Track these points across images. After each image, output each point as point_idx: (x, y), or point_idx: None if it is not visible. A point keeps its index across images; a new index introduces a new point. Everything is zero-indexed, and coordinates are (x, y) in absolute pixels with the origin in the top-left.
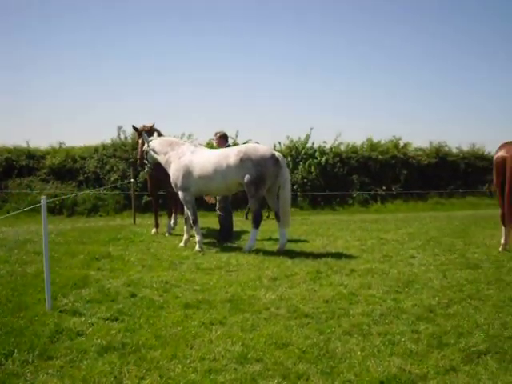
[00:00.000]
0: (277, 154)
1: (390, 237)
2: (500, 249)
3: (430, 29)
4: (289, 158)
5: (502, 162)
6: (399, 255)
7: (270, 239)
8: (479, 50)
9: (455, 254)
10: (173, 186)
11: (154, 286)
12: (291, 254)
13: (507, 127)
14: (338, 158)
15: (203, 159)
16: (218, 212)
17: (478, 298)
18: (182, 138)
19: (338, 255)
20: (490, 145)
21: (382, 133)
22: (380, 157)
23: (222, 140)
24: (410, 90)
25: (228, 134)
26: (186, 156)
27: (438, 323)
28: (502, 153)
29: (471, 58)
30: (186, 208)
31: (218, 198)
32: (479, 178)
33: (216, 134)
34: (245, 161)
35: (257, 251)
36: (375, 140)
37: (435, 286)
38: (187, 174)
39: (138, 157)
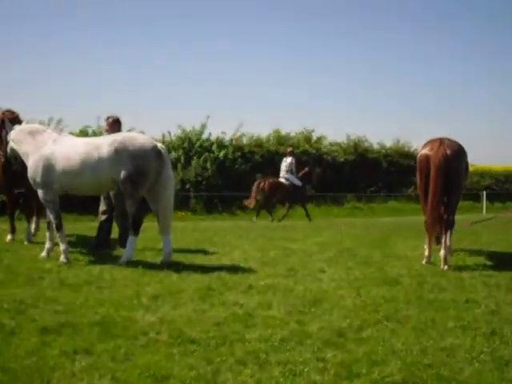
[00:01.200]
0: (159, 145)
1: (296, 247)
2: (423, 261)
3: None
4: (180, 152)
5: (426, 161)
6: (306, 269)
7: (153, 248)
8: (406, 38)
9: (372, 267)
10: (31, 182)
11: (5, 306)
12: (178, 267)
13: (438, 121)
14: (239, 153)
15: (68, 149)
16: (102, 217)
17: (396, 320)
18: (49, 125)
19: (234, 269)
20: (417, 140)
21: (294, 125)
22: None
23: (116, 126)
24: (325, 75)
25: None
26: (48, 146)
27: (349, 349)
28: (425, 151)
29: (397, 47)
30: (47, 210)
31: (101, 198)
32: (404, 178)
33: (108, 118)
34: (120, 152)
35: (135, 263)
36: (283, 132)
37: (347, 305)
38: (48, 167)
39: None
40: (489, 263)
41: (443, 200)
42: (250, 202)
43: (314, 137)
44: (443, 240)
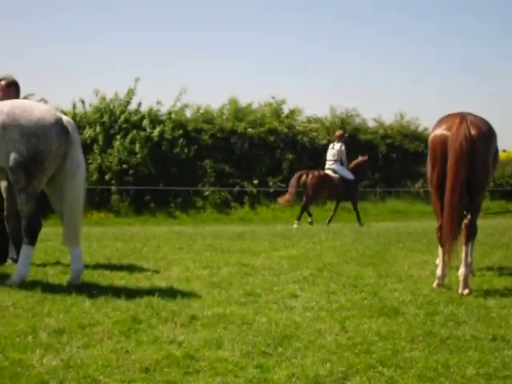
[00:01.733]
0: (65, 118)
1: (259, 263)
2: (434, 284)
3: None
4: (98, 129)
5: (442, 144)
6: (272, 293)
7: (57, 263)
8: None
9: (363, 291)
10: None
11: None
12: (91, 290)
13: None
14: (180, 131)
15: None
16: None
17: (395, 364)
18: None
19: (172, 293)
20: (428, 117)
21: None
22: (250, 130)
23: (11, 91)
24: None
25: None
26: None
27: None
28: (441, 130)
29: None
30: None
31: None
32: (409, 169)
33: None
34: (8, 128)
35: (32, 284)
36: (243, 103)
37: (327, 344)
38: None
39: None
40: None
41: (465, 199)
42: (288, 200)
43: (286, 110)
44: (463, 254)
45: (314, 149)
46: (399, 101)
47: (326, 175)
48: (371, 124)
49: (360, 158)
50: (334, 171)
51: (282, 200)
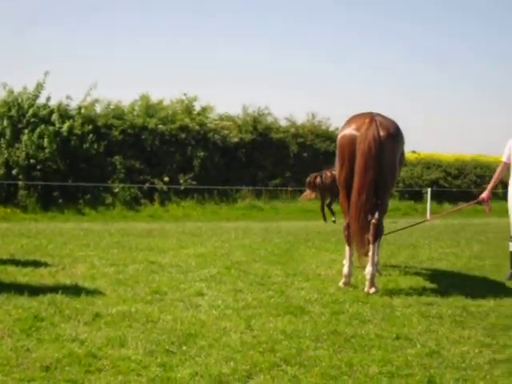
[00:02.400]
0: None
1: (166, 260)
2: (341, 283)
3: None
4: (5, 122)
5: (350, 144)
6: (178, 291)
7: None
8: None
9: (270, 290)
10: None
11: None
12: None
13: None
14: (90, 126)
15: None
16: None
17: (299, 363)
18: None
19: (75, 290)
20: (338, 117)
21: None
22: (161, 127)
23: None
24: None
25: None
26: None
27: None
28: (350, 130)
29: None
30: None
31: None
32: (320, 167)
33: None
34: None
35: None
36: (154, 99)
37: (232, 342)
38: None
39: None
40: (430, 286)
41: (372, 199)
42: (309, 194)
43: (198, 107)
44: (370, 253)
45: (225, 146)
46: (311, 100)
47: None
48: (283, 123)
49: None
50: None
51: (302, 197)
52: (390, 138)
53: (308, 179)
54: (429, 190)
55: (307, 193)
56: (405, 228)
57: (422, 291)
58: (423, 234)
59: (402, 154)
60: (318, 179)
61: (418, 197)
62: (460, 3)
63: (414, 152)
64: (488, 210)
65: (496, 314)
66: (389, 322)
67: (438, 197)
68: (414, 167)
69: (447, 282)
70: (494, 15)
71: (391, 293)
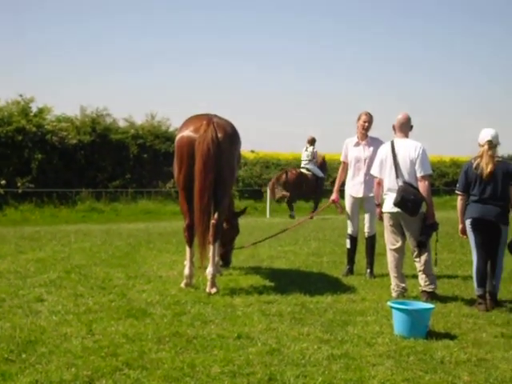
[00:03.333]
0: None
1: (4, 266)
2: (182, 284)
3: None
4: None
5: (189, 145)
6: (17, 297)
7: None
8: None
9: (111, 293)
10: None
11: None
12: None
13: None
14: None
15: None
16: None
17: (142, 366)
18: None
19: None
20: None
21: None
22: None
23: None
24: None
25: None
26: None
27: None
28: (188, 132)
29: None
30: None
31: None
32: (160, 169)
33: None
34: None
35: None
36: None
37: (73, 348)
38: None
39: None
40: (269, 284)
41: (212, 200)
42: (282, 196)
43: (34, 108)
44: (210, 254)
45: (64, 148)
46: (150, 101)
47: (302, 173)
48: (122, 124)
49: (321, 159)
50: (308, 169)
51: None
52: (227, 139)
53: (274, 179)
54: (268, 188)
55: (284, 193)
56: (284, 231)
57: (262, 290)
58: (263, 234)
59: (239, 154)
60: (284, 176)
61: (257, 196)
62: None
63: (252, 151)
64: (340, 209)
65: (333, 310)
66: (230, 322)
67: None
68: (253, 166)
69: (286, 280)
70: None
71: (232, 292)
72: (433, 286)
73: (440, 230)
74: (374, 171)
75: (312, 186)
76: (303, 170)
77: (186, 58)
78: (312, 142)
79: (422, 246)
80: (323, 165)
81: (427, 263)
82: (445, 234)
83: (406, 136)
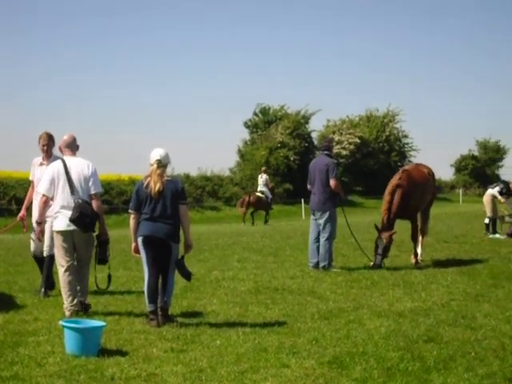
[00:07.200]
0: None
1: None
2: None
3: None
4: None
5: None
6: None
7: None
8: None
9: None
10: None
11: None
12: None
13: None
14: None
15: None
16: None
17: None
18: None
19: None
20: None
21: None
22: None
23: None
24: None
25: None
26: None
27: None
28: None
29: None
30: None
31: None
32: None
33: None
34: None
35: None
36: None
37: None
38: None
39: None
40: None
41: None
42: (243, 211)
43: None
44: None
45: None
46: None
47: (259, 196)
48: None
49: (271, 185)
50: (262, 192)
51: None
52: None
53: (241, 199)
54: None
55: (242, 210)
56: None
57: None
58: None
59: None
60: (247, 198)
61: None
62: None
63: None
64: (25, 227)
65: (5, 331)
66: None
67: None
68: None
69: None
70: None
71: None
72: (82, 299)
73: (117, 247)
74: (43, 189)
75: (265, 204)
76: (259, 194)
77: None
78: (265, 171)
79: (102, 263)
80: (272, 188)
81: (87, 276)
82: (121, 251)
83: (74, 154)
